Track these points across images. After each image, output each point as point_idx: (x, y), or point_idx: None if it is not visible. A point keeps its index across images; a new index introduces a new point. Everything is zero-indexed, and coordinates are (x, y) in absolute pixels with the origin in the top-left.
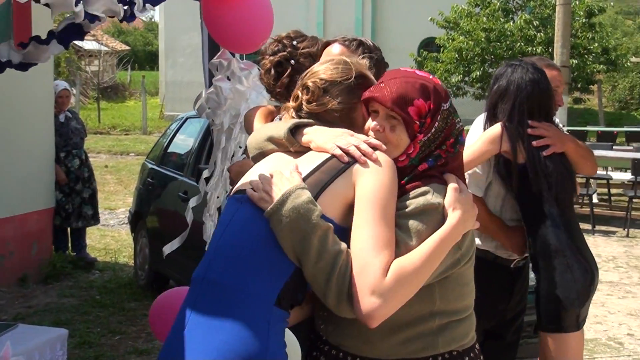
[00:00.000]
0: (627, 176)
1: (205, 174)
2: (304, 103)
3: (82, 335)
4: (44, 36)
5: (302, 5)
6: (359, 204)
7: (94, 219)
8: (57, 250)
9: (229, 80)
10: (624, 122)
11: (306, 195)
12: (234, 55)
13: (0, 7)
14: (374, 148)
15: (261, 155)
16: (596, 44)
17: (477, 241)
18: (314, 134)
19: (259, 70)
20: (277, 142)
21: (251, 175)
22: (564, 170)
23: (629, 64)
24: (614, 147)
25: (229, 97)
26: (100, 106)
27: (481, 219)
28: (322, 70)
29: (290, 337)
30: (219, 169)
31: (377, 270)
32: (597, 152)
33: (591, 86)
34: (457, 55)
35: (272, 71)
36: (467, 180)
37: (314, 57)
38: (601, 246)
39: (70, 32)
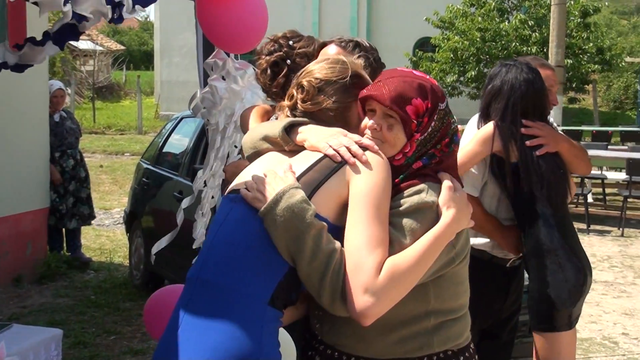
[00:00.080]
0: (621, 176)
1: (200, 174)
2: (298, 102)
3: (77, 336)
4: (39, 37)
5: (297, 4)
6: (353, 203)
7: (90, 217)
8: (52, 250)
9: (224, 80)
10: (618, 121)
11: (300, 194)
12: (229, 55)
13: None
14: (365, 149)
15: (256, 154)
16: (591, 44)
17: (474, 240)
18: (308, 133)
19: (254, 70)
20: (272, 141)
21: (245, 175)
22: (557, 170)
23: (623, 63)
24: (609, 147)
25: (224, 97)
26: (96, 106)
27: (477, 218)
28: (318, 69)
29: (285, 337)
30: (213, 168)
31: (370, 268)
32: (592, 152)
33: (586, 86)
34: (452, 55)
35: (269, 71)
36: (462, 179)
37: (310, 57)
38: (596, 246)
39: (66, 32)
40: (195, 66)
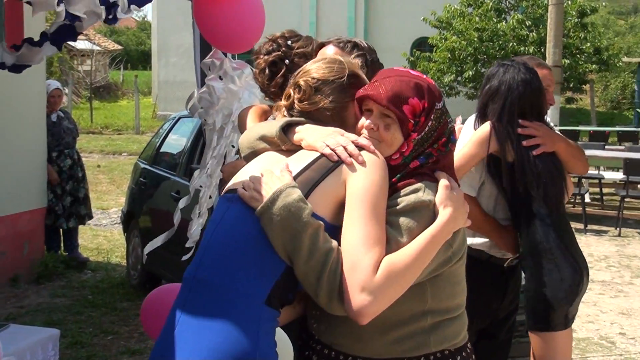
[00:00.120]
0: (619, 176)
1: (197, 174)
2: (295, 102)
3: (74, 335)
4: (36, 38)
5: (294, 4)
6: (350, 202)
7: (87, 217)
8: (49, 250)
9: (222, 79)
10: (615, 121)
11: (297, 193)
12: (226, 55)
13: None
14: (362, 148)
15: (253, 154)
16: (588, 44)
17: (472, 240)
18: (305, 133)
19: (252, 69)
20: (269, 141)
21: (242, 175)
22: (554, 170)
23: (620, 63)
24: (606, 147)
25: (222, 97)
26: (93, 106)
27: (475, 219)
28: (315, 69)
29: (282, 336)
30: (211, 168)
31: (367, 267)
32: (589, 152)
33: (583, 86)
34: (449, 55)
35: (267, 71)
36: (461, 180)
37: (309, 57)
38: (593, 245)
39: (63, 33)
40: (192, 66)
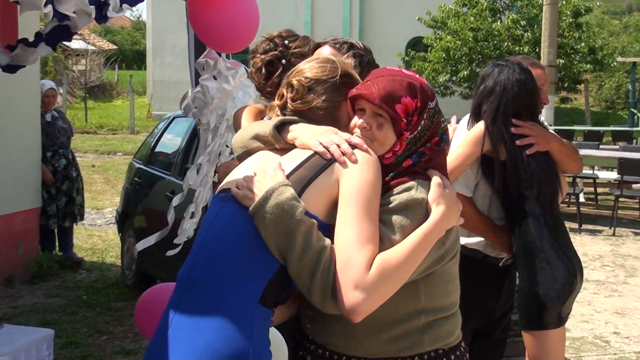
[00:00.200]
0: (613, 175)
1: (190, 172)
2: (288, 101)
3: (68, 336)
4: (31, 38)
5: (290, 4)
6: (343, 200)
7: (80, 217)
8: (43, 250)
9: (216, 79)
10: (610, 121)
11: (290, 191)
12: (220, 55)
13: None
14: (354, 147)
15: (247, 153)
16: (583, 44)
17: (467, 240)
18: (299, 131)
19: (246, 69)
20: (263, 140)
21: (236, 174)
22: (548, 169)
23: (615, 63)
24: (601, 147)
25: (216, 97)
26: (88, 105)
27: (470, 218)
28: (308, 68)
29: (276, 336)
30: (205, 168)
31: (360, 264)
32: (583, 152)
33: (578, 86)
34: (444, 55)
35: (263, 70)
36: (457, 180)
37: (305, 57)
38: (588, 245)
39: (58, 33)
40: (187, 66)
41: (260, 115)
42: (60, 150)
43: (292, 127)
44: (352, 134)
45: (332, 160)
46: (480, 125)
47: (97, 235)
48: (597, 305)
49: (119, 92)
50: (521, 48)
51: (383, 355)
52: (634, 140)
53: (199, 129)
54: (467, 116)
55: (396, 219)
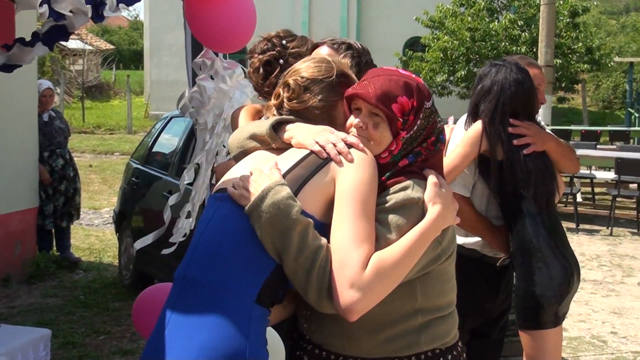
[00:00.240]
0: (610, 175)
1: (186, 172)
2: (285, 100)
3: (66, 336)
4: (28, 38)
5: (287, 4)
6: (339, 200)
7: (76, 216)
8: (40, 250)
9: (213, 79)
10: (607, 121)
11: (286, 191)
12: (217, 55)
13: None
14: (350, 146)
15: (243, 153)
16: (580, 44)
17: (465, 240)
18: (295, 131)
19: (243, 69)
20: (260, 139)
21: (232, 174)
22: (545, 169)
23: (612, 63)
24: (598, 147)
25: (213, 97)
26: (85, 105)
27: (468, 218)
28: (304, 68)
29: (273, 335)
30: (202, 168)
31: (356, 263)
32: (581, 151)
33: (575, 85)
34: (442, 55)
35: (261, 70)
36: (455, 180)
37: (303, 57)
38: (585, 245)
39: (55, 33)
40: (185, 66)
41: (257, 115)
42: (57, 150)
43: (288, 127)
44: (348, 133)
45: (328, 159)
46: (478, 125)
47: (95, 235)
48: (595, 305)
49: (116, 92)
50: (519, 48)
51: (380, 355)
52: (631, 140)
53: (196, 129)
54: (465, 116)
55: (392, 218)
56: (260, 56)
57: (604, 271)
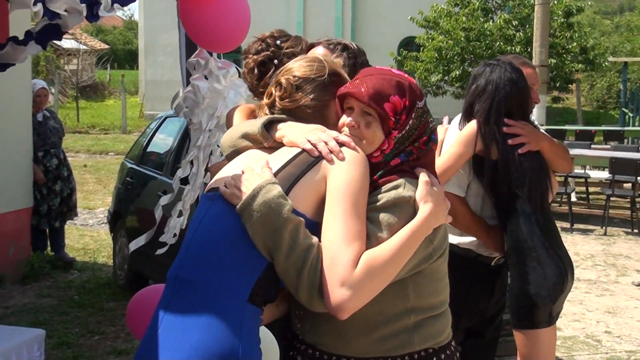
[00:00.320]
0: (604, 175)
1: (180, 172)
2: (276, 99)
3: (60, 336)
4: (21, 36)
5: (282, 4)
6: (330, 198)
7: (72, 215)
8: (35, 250)
9: (207, 79)
10: (601, 121)
11: (277, 190)
12: (211, 54)
13: None
14: (342, 145)
15: (235, 152)
16: (574, 44)
17: (460, 240)
18: (287, 129)
19: (237, 69)
20: (252, 138)
21: (224, 173)
22: (539, 168)
23: (606, 63)
24: (592, 146)
25: (207, 96)
26: (80, 105)
27: (463, 218)
28: (296, 67)
29: (267, 335)
30: (195, 167)
31: (346, 262)
32: (575, 151)
33: (570, 85)
34: (436, 55)
35: (256, 70)
36: (450, 180)
37: None
38: (579, 244)
39: (48, 32)
40: (179, 65)
41: (252, 115)
42: (51, 150)
43: (280, 126)
44: (341, 132)
45: (320, 157)
46: (473, 125)
47: (89, 235)
48: (589, 304)
49: (111, 91)
50: (513, 48)
51: (373, 355)
52: (625, 140)
53: (190, 129)
54: (459, 116)
55: (383, 216)
56: (255, 57)
57: (598, 271)
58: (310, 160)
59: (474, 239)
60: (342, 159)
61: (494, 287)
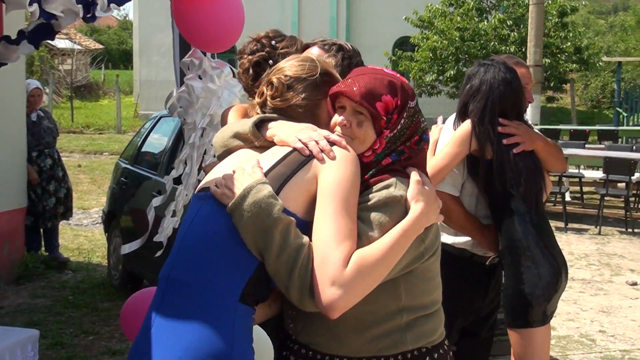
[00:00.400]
0: (598, 174)
1: (174, 172)
2: (268, 99)
3: (54, 336)
4: (13, 36)
5: (276, 4)
6: (321, 197)
7: (68, 215)
8: (29, 250)
9: (201, 79)
10: (596, 120)
11: (267, 189)
12: (205, 54)
13: None
14: (333, 144)
15: (227, 152)
16: (569, 43)
17: (454, 239)
18: (278, 129)
19: (232, 69)
20: (243, 138)
21: (215, 173)
22: (533, 168)
23: (601, 63)
24: (586, 146)
25: (201, 96)
26: (74, 105)
27: (457, 218)
28: (288, 66)
29: (261, 334)
30: (188, 166)
31: (337, 261)
32: (569, 151)
33: (564, 85)
34: (431, 55)
35: (251, 71)
36: (444, 179)
37: None
38: (573, 244)
39: (41, 31)
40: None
41: (247, 115)
42: (45, 150)
43: (271, 125)
44: (332, 132)
45: (311, 156)
46: (467, 125)
47: (84, 235)
48: (583, 303)
49: (105, 91)
50: (507, 48)
51: (366, 354)
52: (620, 140)
53: (184, 129)
54: (454, 116)
55: (374, 216)
56: (250, 57)
57: (592, 270)
58: (301, 160)
59: (468, 238)
60: (333, 158)
61: (489, 286)
